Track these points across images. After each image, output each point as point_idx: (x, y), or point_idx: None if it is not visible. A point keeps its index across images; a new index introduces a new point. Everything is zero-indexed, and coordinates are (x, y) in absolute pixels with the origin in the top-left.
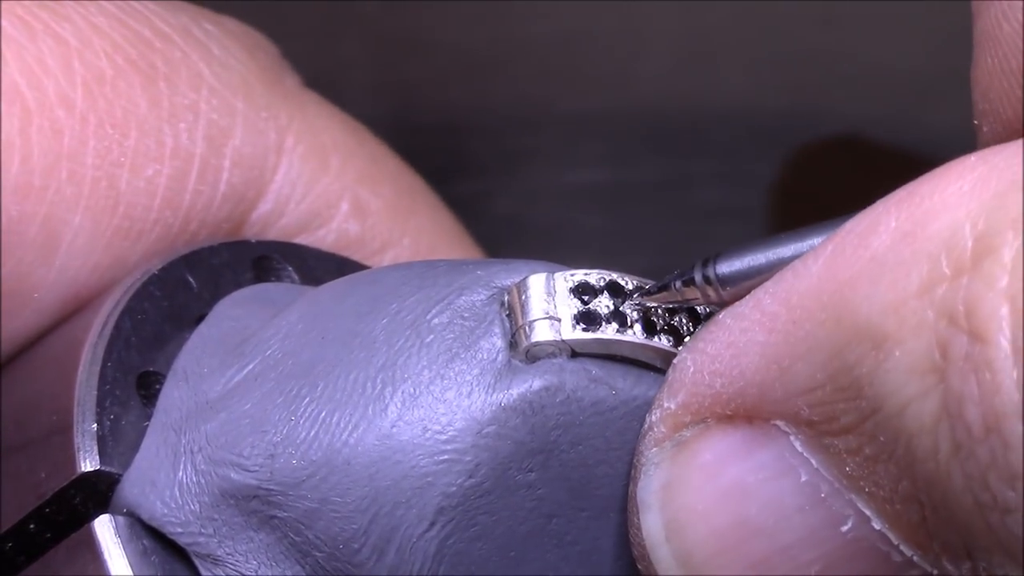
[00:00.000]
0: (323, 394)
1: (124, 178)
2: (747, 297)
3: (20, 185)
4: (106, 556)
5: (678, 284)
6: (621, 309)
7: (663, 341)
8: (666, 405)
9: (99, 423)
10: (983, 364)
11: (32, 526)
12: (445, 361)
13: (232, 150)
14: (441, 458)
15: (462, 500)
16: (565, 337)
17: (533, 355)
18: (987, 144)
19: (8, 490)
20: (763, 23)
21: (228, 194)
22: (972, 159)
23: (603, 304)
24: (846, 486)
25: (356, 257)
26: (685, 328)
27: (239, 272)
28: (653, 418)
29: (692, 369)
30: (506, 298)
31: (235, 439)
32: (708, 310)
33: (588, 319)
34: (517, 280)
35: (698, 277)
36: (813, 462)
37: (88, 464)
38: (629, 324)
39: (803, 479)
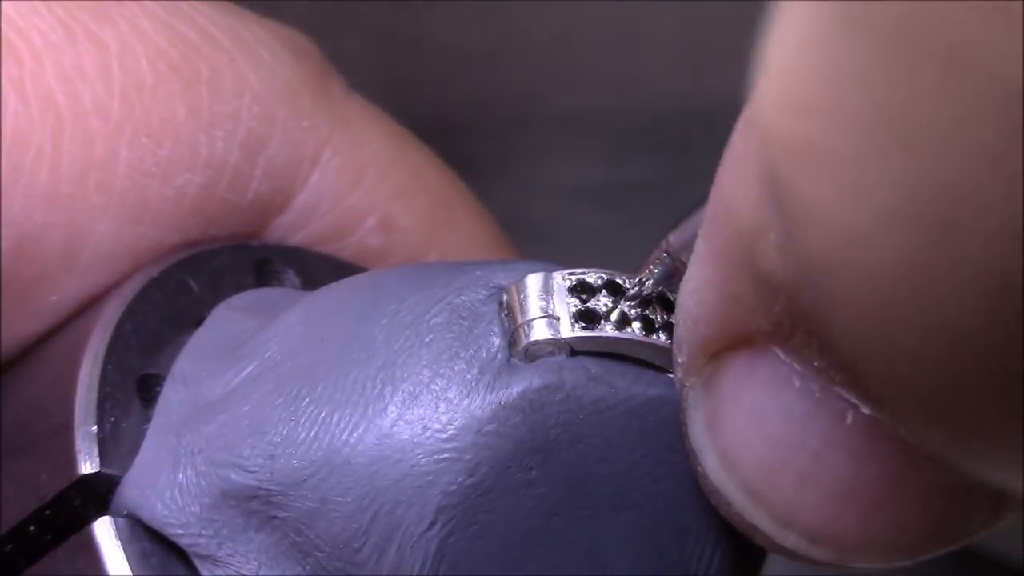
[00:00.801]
0: (322, 394)
1: (154, 188)
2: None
3: (47, 193)
4: (106, 558)
5: (655, 270)
6: (619, 307)
7: (662, 338)
8: (679, 360)
9: (99, 425)
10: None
11: (32, 528)
12: (445, 360)
13: (266, 159)
14: (441, 456)
15: (463, 499)
16: (564, 335)
17: (532, 354)
18: None
19: (8, 492)
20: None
21: (254, 202)
22: None
23: (602, 303)
24: (825, 381)
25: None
26: None
27: (240, 275)
28: (679, 374)
29: (681, 323)
30: (504, 297)
31: (235, 440)
32: None
33: (587, 317)
34: (514, 279)
35: (664, 257)
36: (796, 366)
37: (88, 466)
38: (628, 322)
39: (797, 385)
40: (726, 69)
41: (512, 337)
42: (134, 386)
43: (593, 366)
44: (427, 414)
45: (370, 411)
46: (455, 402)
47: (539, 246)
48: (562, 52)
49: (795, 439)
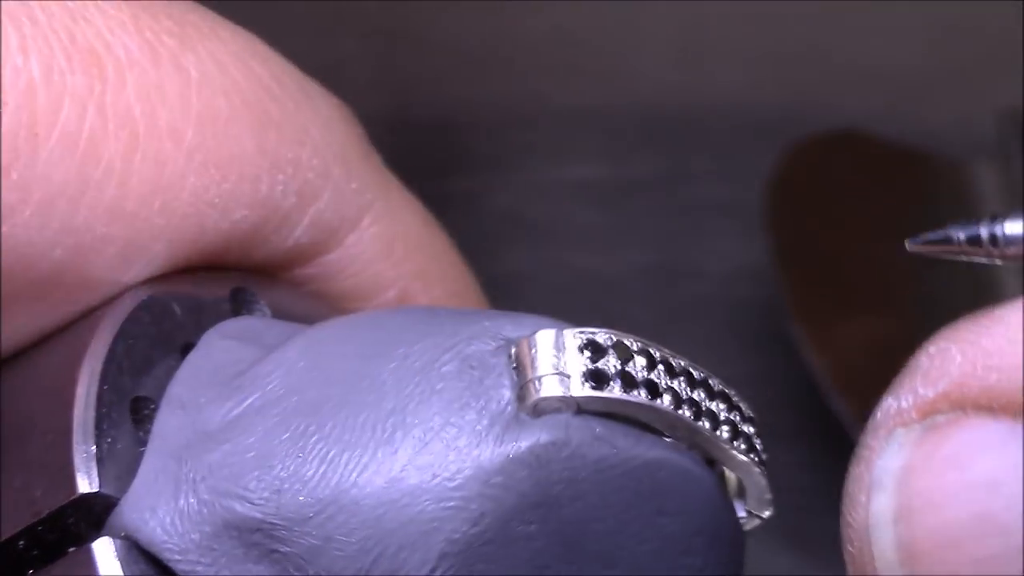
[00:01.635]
0: (332, 433)
1: (212, 218)
2: None
3: (112, 208)
4: None
5: (961, 236)
6: (627, 370)
7: (666, 403)
8: (921, 392)
9: (98, 445)
10: None
11: (22, 543)
12: (456, 409)
13: (315, 211)
14: (448, 504)
15: (465, 547)
16: (574, 394)
17: (540, 409)
18: None
19: (2, 506)
20: (760, 18)
21: (291, 250)
22: None
23: (611, 364)
24: None
25: None
26: (684, 392)
27: (218, 301)
28: (902, 404)
29: (959, 360)
30: (513, 350)
31: (239, 471)
32: (719, 388)
33: (597, 377)
34: (523, 333)
35: (984, 233)
36: None
37: (88, 485)
38: (635, 385)
39: None
40: (723, 66)
41: (521, 391)
42: (128, 407)
43: (598, 425)
44: (437, 461)
45: (379, 454)
46: (465, 451)
47: (538, 242)
48: (562, 51)
49: (1009, 527)
